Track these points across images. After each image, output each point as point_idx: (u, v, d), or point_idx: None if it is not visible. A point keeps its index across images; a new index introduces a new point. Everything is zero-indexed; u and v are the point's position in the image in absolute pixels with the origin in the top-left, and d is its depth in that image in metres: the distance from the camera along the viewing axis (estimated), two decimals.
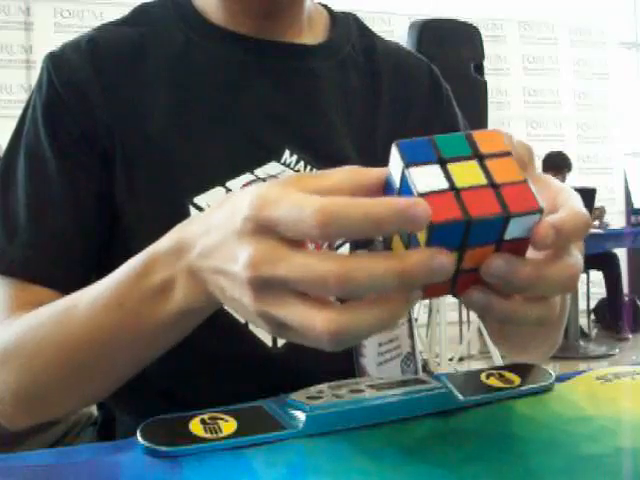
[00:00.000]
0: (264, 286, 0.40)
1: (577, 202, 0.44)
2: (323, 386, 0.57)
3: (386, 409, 0.53)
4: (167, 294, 0.52)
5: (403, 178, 0.41)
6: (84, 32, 0.77)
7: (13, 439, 0.83)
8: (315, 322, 0.39)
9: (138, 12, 0.79)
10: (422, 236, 0.39)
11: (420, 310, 3.23)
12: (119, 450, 0.49)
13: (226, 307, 0.48)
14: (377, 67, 0.82)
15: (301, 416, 0.51)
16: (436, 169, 0.41)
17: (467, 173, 0.41)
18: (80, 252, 0.72)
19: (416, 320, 3.34)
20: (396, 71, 0.84)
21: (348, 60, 0.81)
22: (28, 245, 0.69)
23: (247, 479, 0.44)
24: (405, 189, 0.40)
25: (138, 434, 0.49)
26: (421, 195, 0.39)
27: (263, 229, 0.40)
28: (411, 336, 0.79)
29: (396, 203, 0.37)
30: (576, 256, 0.43)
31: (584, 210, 0.43)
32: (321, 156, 0.74)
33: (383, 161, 0.76)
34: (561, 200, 0.45)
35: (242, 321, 0.70)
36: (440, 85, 0.87)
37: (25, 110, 0.75)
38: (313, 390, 0.56)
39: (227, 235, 0.43)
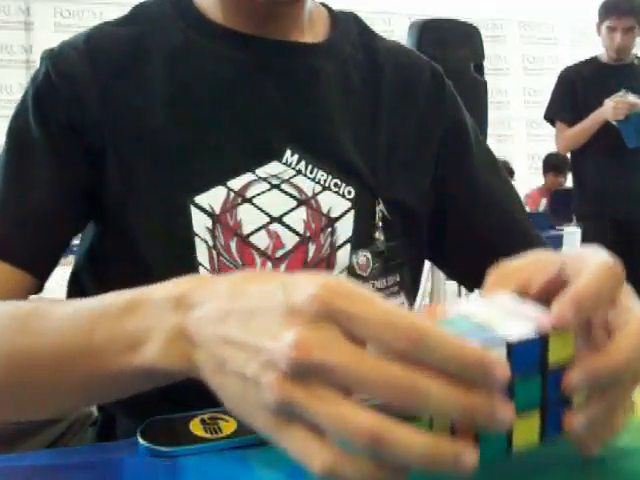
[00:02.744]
0: (304, 373, 0.35)
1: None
2: None
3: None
4: (138, 345, 0.45)
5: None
6: (82, 32, 0.77)
7: (12, 439, 0.83)
8: (354, 421, 0.34)
9: (136, 11, 0.78)
10: None
11: (421, 310, 3.24)
12: (119, 450, 0.50)
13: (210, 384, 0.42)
14: (378, 66, 0.82)
15: None
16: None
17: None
18: (52, 237, 0.72)
19: None
20: (397, 70, 0.83)
21: (349, 59, 0.80)
22: (1, 223, 0.69)
23: (247, 479, 0.44)
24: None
25: (138, 434, 0.49)
26: None
27: (330, 315, 0.36)
28: None
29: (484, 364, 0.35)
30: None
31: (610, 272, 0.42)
32: (322, 156, 0.74)
33: (384, 160, 0.76)
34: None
35: None
36: (443, 84, 0.86)
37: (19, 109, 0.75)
38: None
39: (271, 308, 0.38)
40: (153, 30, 0.75)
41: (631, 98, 3.04)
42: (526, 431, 0.42)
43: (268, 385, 0.36)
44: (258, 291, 0.40)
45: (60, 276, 0.93)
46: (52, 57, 0.73)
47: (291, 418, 0.36)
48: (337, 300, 0.36)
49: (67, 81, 0.72)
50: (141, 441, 0.48)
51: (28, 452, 0.52)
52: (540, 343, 0.41)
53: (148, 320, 0.45)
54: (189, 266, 0.69)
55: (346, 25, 0.83)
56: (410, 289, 0.79)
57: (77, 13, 5.25)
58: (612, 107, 3.01)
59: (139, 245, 0.70)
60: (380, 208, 0.75)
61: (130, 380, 0.48)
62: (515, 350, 0.40)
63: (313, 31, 0.80)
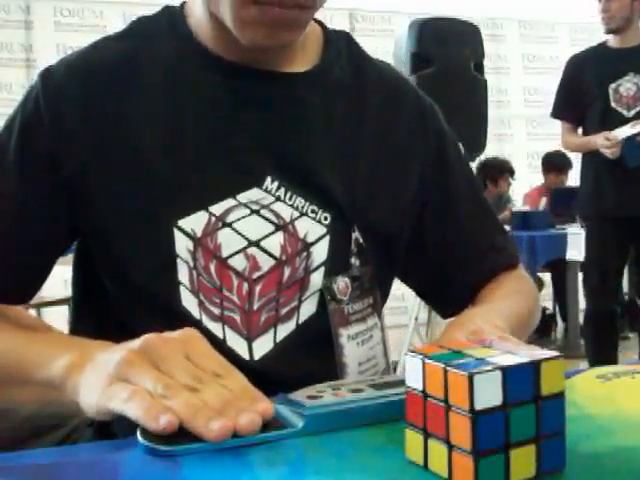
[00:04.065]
0: (144, 352, 0.54)
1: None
2: (323, 385, 0.57)
3: (386, 408, 0.53)
4: (48, 364, 0.62)
5: None
6: (82, 48, 0.79)
7: (12, 442, 0.83)
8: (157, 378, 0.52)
9: (134, 26, 0.80)
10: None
11: (420, 309, 3.24)
12: (119, 449, 0.50)
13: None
14: (365, 91, 0.83)
15: (301, 415, 0.51)
16: None
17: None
18: (15, 266, 0.75)
19: (416, 319, 3.27)
20: (383, 95, 0.84)
21: (336, 85, 0.81)
22: None
23: (247, 478, 0.44)
24: None
25: (138, 433, 0.49)
26: None
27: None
28: (385, 354, 0.82)
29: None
30: None
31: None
32: (301, 183, 0.76)
33: (363, 188, 0.79)
34: None
35: (220, 337, 0.73)
36: (425, 110, 0.87)
37: (9, 119, 0.77)
38: (313, 389, 0.56)
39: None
40: (148, 48, 0.77)
41: (621, 131, 2.95)
42: (523, 463, 0.42)
43: (121, 355, 0.54)
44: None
45: (60, 276, 0.93)
46: (45, 80, 0.75)
47: (119, 379, 0.53)
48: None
49: (55, 109, 0.74)
50: (141, 440, 0.48)
51: (28, 451, 0.52)
52: (532, 370, 0.42)
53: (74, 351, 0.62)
54: (171, 285, 0.73)
55: (337, 46, 0.83)
56: (380, 308, 0.83)
57: (77, 12, 5.24)
58: (605, 146, 2.92)
59: (123, 264, 0.74)
60: (356, 235, 0.78)
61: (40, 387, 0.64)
62: (509, 375, 0.41)
63: (305, 54, 0.80)
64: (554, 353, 0.44)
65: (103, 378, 0.54)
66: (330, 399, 0.54)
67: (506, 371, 0.41)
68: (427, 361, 0.44)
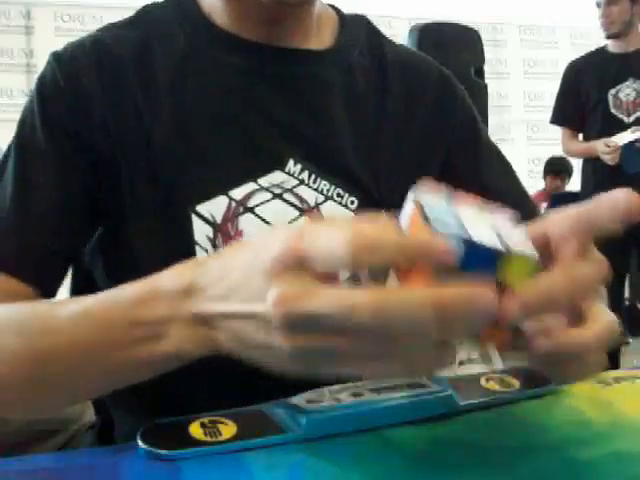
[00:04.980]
0: (297, 323, 0.39)
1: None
2: (324, 390, 0.57)
3: (386, 413, 0.53)
4: (160, 336, 0.48)
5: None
6: (88, 34, 0.76)
7: (13, 447, 0.83)
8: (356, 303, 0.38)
9: (141, 14, 0.78)
10: None
11: None
12: (119, 453, 0.50)
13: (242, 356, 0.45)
14: (385, 73, 0.81)
15: (301, 420, 0.51)
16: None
17: None
18: (56, 248, 0.71)
19: None
20: (404, 76, 0.82)
21: (355, 65, 0.79)
22: (6, 234, 0.68)
23: None
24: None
25: (138, 437, 0.49)
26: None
27: (294, 265, 0.40)
28: None
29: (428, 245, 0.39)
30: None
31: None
32: (325, 166, 0.74)
33: (386, 169, 0.76)
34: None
35: None
36: (450, 87, 0.85)
37: (26, 105, 0.74)
38: (313, 393, 0.56)
39: (251, 275, 0.42)
40: (157, 35, 0.75)
41: (620, 137, 2.95)
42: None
43: (278, 345, 0.40)
44: (241, 263, 0.44)
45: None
46: (59, 60, 0.72)
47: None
48: (299, 250, 0.40)
49: (74, 88, 0.71)
50: (141, 444, 0.48)
51: (29, 455, 0.52)
52: (495, 255, 0.41)
53: (163, 310, 0.48)
54: None
55: (355, 30, 0.82)
56: None
57: (77, 17, 5.26)
58: (604, 152, 2.92)
59: (139, 251, 0.70)
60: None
61: (150, 367, 0.51)
62: (469, 251, 0.40)
63: (319, 36, 0.79)
64: (533, 252, 0.42)
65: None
66: (330, 404, 0.54)
67: (466, 243, 0.40)
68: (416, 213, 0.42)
